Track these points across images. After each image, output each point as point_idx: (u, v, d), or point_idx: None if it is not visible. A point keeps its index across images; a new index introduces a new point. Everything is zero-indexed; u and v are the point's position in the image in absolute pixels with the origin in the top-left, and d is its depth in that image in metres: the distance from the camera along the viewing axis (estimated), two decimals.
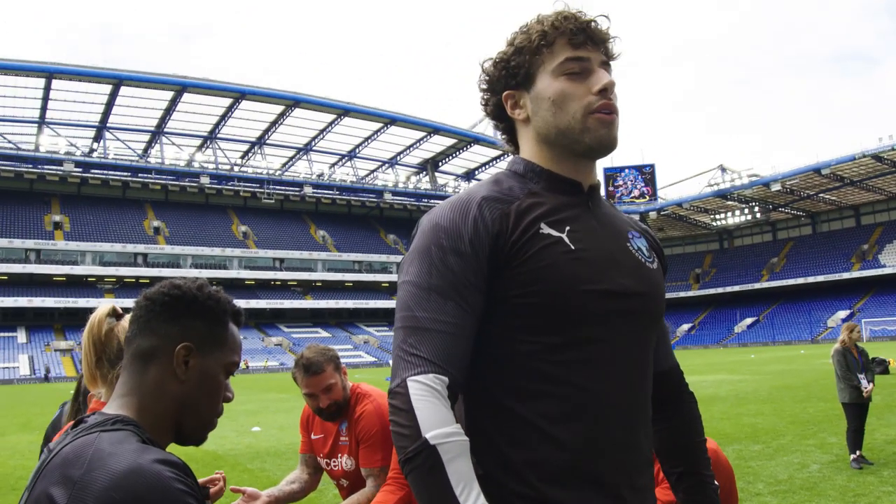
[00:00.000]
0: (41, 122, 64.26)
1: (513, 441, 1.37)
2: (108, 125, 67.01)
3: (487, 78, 1.58)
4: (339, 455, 3.29)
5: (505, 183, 1.50)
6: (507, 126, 1.61)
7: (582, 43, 1.47)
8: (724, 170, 78.70)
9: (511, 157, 1.61)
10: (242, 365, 51.91)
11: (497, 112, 1.59)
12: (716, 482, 1.67)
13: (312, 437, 3.40)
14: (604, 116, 1.45)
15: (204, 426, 1.40)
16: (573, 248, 1.41)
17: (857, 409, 8.67)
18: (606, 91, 1.45)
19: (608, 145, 1.47)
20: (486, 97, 1.60)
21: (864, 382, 8.71)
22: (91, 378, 2.03)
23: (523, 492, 1.34)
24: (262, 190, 76.21)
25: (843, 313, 69.64)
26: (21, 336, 60.43)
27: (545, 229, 1.41)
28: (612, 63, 1.53)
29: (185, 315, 1.37)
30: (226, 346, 1.41)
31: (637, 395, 1.46)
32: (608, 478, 1.37)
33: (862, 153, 64.35)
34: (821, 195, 76.64)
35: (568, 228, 1.44)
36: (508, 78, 1.53)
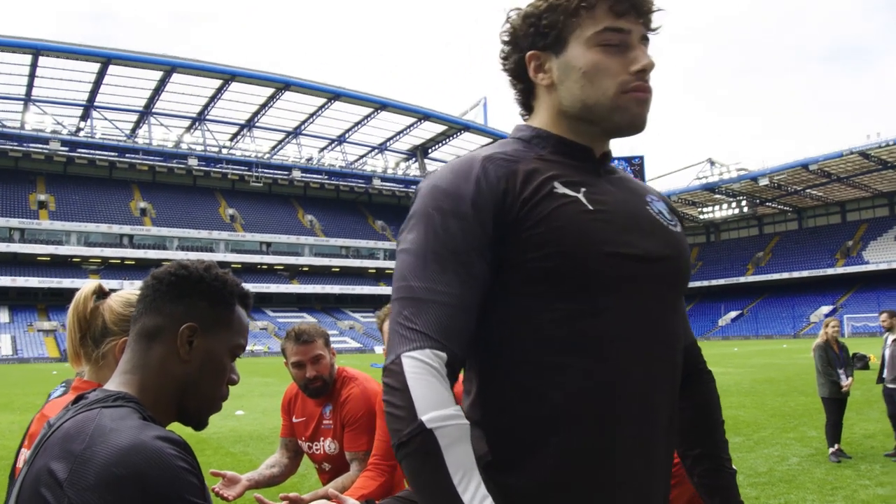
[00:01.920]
0: (27, 99, 63.52)
1: (528, 421, 1.26)
2: (95, 104, 66.31)
3: (512, 31, 1.42)
4: (322, 439, 3.28)
5: (510, 146, 1.40)
6: (524, 87, 1.47)
7: (625, 12, 1.33)
8: (712, 163, 78.98)
9: (517, 124, 1.49)
10: None
11: (516, 71, 1.45)
12: (733, 467, 1.58)
13: (294, 420, 3.38)
14: (639, 95, 1.34)
15: (206, 407, 1.39)
16: (591, 208, 1.30)
17: (835, 404, 8.77)
18: (644, 72, 1.33)
19: (639, 126, 1.37)
20: (507, 51, 1.45)
21: (843, 378, 8.82)
22: (75, 356, 2.02)
23: (539, 476, 1.24)
24: (250, 173, 75.83)
25: (826, 308, 70.22)
26: (3, 316, 60.03)
27: (560, 188, 1.30)
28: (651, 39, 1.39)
29: (190, 295, 1.37)
30: (231, 328, 1.41)
31: (664, 370, 1.35)
32: (621, 468, 1.27)
33: (849, 150, 64.69)
34: (808, 191, 77.10)
35: (584, 189, 1.32)
36: (536, 37, 1.38)
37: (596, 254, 1.25)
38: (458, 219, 1.25)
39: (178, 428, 1.32)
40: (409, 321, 1.20)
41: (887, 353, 8.87)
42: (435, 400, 1.13)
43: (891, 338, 8.96)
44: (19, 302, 62.28)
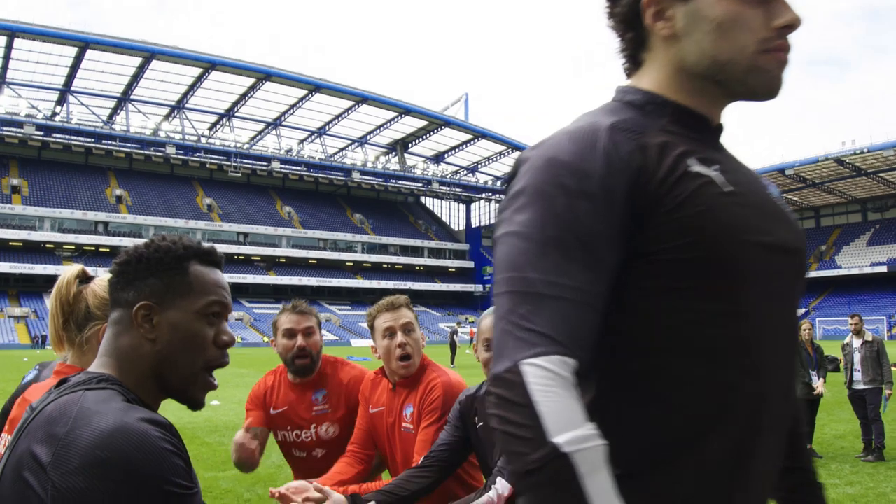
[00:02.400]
0: (1, 81, 62.51)
1: (661, 435, 1.07)
2: (72, 89, 65.41)
3: None
4: (315, 425, 3.21)
5: (624, 113, 1.16)
6: (634, 37, 1.22)
7: None
8: None
9: (621, 86, 1.25)
10: None
11: (628, 15, 1.20)
12: (820, 479, 1.40)
13: (273, 411, 3.27)
14: (781, 56, 1.14)
15: (188, 380, 1.35)
16: (729, 189, 1.10)
17: (807, 405, 8.90)
18: (790, 29, 1.13)
19: (776, 91, 1.16)
20: None
21: (815, 379, 8.96)
22: (57, 340, 2.01)
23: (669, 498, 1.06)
24: (228, 163, 75.20)
25: (798, 312, 71.19)
26: None
27: (695, 166, 1.09)
28: None
29: (136, 277, 1.34)
30: (191, 291, 1.36)
31: (792, 376, 1.20)
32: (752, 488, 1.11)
33: (825, 156, 65.58)
34: (783, 195, 77.40)
35: (717, 167, 1.12)
36: None
37: (743, 244, 1.07)
38: (585, 199, 1.03)
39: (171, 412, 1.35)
40: (526, 320, 0.98)
41: (857, 356, 9.03)
42: (569, 418, 0.92)
43: (858, 341, 9.13)
44: None
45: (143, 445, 1.09)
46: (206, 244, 1.45)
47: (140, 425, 1.12)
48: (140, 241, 1.41)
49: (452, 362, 27.04)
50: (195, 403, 1.39)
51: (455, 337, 31.70)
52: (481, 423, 2.49)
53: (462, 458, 2.58)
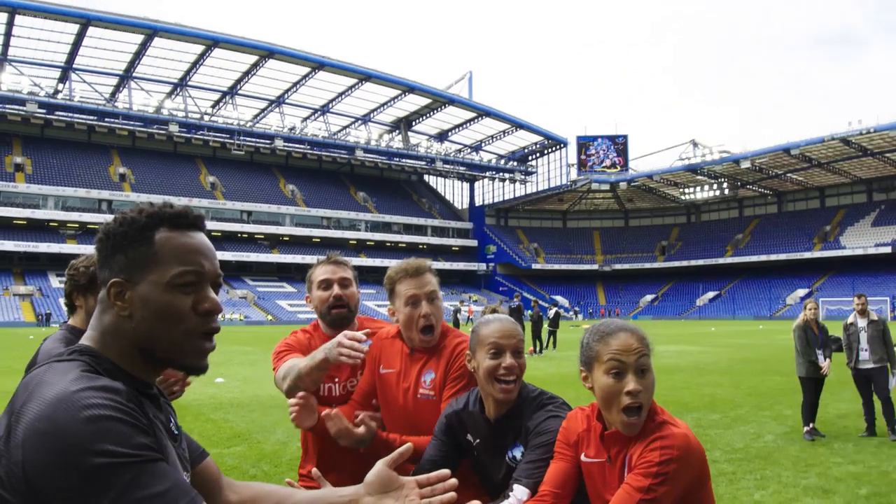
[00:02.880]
0: (3, 59, 62.21)
1: None
2: (74, 66, 65.06)
3: None
4: (341, 380, 3.03)
5: None
6: None
7: None
8: (695, 144, 79.29)
9: None
10: None
11: None
12: None
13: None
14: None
15: (174, 351, 1.31)
16: None
17: (812, 384, 8.91)
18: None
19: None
20: None
21: (821, 359, 8.95)
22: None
23: None
24: (231, 141, 74.95)
25: (801, 291, 71.19)
26: None
27: None
28: None
29: (107, 255, 1.32)
30: (158, 262, 1.30)
31: None
32: None
33: (831, 136, 65.18)
34: (788, 175, 77.64)
35: None
36: None
37: None
38: None
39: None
40: None
41: (864, 335, 9.00)
42: None
43: (864, 321, 9.11)
44: None
45: (76, 414, 1.06)
46: (178, 205, 1.38)
47: (79, 394, 1.08)
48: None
49: None
50: (192, 370, 1.35)
51: (458, 315, 31.79)
52: (478, 440, 2.40)
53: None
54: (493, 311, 2.70)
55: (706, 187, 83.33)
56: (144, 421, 1.14)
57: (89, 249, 1.73)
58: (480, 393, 2.38)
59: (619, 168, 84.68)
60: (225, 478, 1.58)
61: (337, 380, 3.03)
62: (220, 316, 1.38)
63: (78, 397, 1.08)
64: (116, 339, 1.30)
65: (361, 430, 2.52)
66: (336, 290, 3.00)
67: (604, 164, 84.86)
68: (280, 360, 2.94)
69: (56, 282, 58.49)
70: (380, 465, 1.45)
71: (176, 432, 1.42)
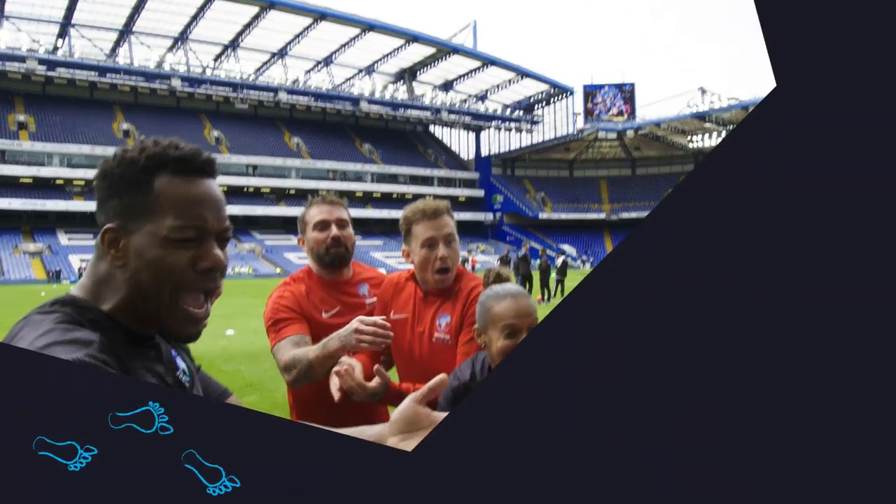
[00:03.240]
0: (0, 15, 61.53)
1: None
2: (73, 22, 64.30)
3: None
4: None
5: None
6: None
7: None
8: (704, 92, 78.30)
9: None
10: None
11: None
12: None
13: (325, 314, 2.94)
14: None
15: (160, 313, 1.21)
16: None
17: None
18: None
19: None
20: None
21: None
22: None
23: None
24: (235, 95, 74.33)
25: None
26: None
27: None
28: None
29: (106, 196, 1.22)
30: (156, 212, 1.18)
31: None
32: None
33: None
34: None
35: None
36: None
37: None
38: None
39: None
40: None
41: None
42: None
43: None
44: (4, 224, 61.63)
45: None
46: (185, 146, 1.23)
47: (46, 350, 1.01)
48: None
49: None
50: (179, 337, 1.27)
51: (465, 265, 31.90)
52: None
53: None
54: (498, 275, 2.55)
55: (714, 135, 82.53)
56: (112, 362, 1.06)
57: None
58: (489, 362, 2.27)
59: (626, 116, 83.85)
60: None
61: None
62: (229, 270, 1.29)
63: (37, 354, 0.99)
64: (110, 288, 1.21)
65: (374, 382, 2.43)
66: (334, 230, 2.95)
67: (611, 113, 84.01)
68: (279, 334, 2.80)
69: (65, 239, 58.83)
70: (407, 402, 1.31)
71: (187, 379, 1.37)
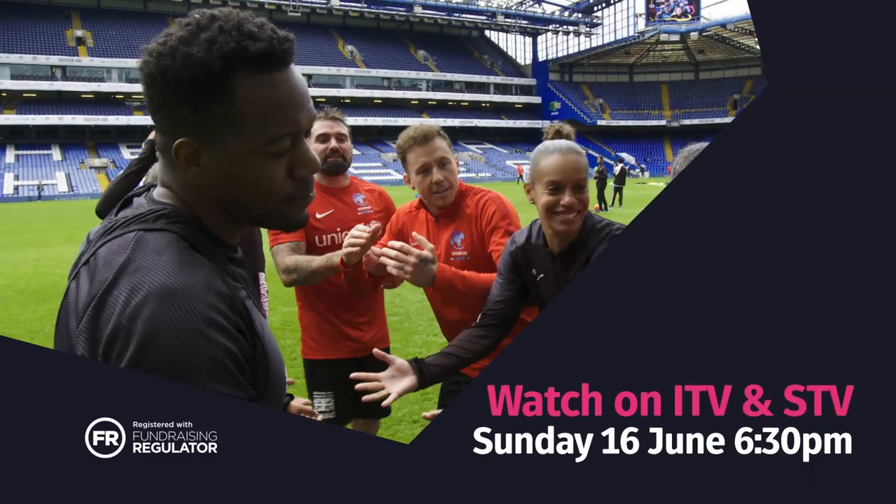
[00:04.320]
0: None
1: None
2: None
3: None
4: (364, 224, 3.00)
5: None
6: None
7: None
8: None
9: None
10: None
11: None
12: None
13: (318, 216, 3.13)
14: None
15: (266, 218, 1.09)
16: None
17: None
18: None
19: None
20: None
21: None
22: None
23: None
24: (287, 2, 73.41)
25: None
26: (56, 154, 61.14)
27: None
28: None
29: (167, 101, 1.02)
30: (244, 124, 1.00)
31: None
32: None
33: None
34: None
35: None
36: None
37: None
38: None
39: None
40: None
41: None
42: None
43: None
44: (69, 140, 63.20)
45: (179, 323, 0.88)
46: (259, 32, 1.01)
47: (183, 295, 0.90)
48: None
49: None
50: (290, 227, 1.14)
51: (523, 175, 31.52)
52: (542, 275, 2.30)
53: (518, 312, 2.39)
54: (558, 132, 2.59)
55: None
56: (243, 345, 0.97)
57: None
58: (542, 225, 2.27)
59: (689, 17, 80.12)
60: None
61: (344, 232, 2.99)
62: None
63: (198, 317, 0.90)
64: (196, 199, 1.06)
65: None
66: (333, 143, 3.23)
67: (673, 14, 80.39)
68: (278, 237, 3.05)
69: (127, 153, 60.01)
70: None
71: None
